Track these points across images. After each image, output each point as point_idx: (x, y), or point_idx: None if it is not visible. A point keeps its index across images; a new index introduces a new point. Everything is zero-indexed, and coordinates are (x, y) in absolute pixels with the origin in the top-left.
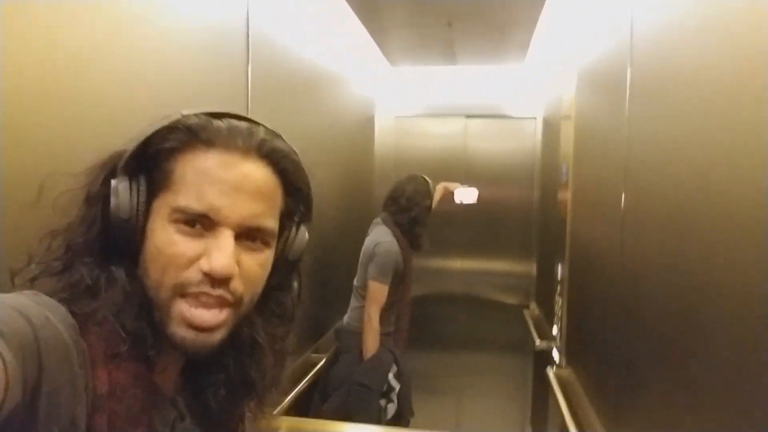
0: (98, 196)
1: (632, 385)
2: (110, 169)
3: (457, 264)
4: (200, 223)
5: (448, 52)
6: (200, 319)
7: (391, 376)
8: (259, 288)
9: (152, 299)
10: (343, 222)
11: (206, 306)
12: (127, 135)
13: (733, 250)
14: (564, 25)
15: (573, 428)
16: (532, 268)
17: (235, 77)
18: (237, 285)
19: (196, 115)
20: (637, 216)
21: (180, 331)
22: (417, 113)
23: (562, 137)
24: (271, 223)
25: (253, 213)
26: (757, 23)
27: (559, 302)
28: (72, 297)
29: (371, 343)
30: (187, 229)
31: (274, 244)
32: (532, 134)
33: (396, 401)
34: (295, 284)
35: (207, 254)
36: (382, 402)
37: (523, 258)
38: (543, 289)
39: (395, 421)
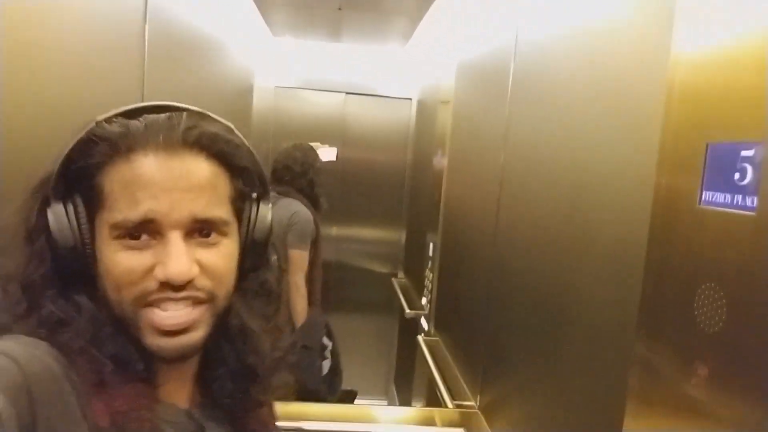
0: (38, 229)
1: (496, 355)
2: (42, 197)
3: (333, 232)
4: (144, 232)
5: (334, 31)
6: (170, 321)
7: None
8: (229, 279)
9: (119, 316)
10: None
11: (175, 308)
12: (22, 107)
13: (596, 242)
14: (448, 19)
15: (443, 389)
16: (401, 239)
17: (132, 40)
18: (203, 282)
19: (107, 120)
20: (512, 202)
21: (155, 340)
22: (297, 85)
23: (438, 119)
24: (219, 212)
25: (195, 208)
26: (625, 40)
27: (430, 275)
28: (48, 333)
29: (301, 309)
30: (131, 243)
31: (232, 231)
32: (408, 113)
33: (330, 357)
34: (274, 259)
35: (160, 263)
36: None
37: (394, 229)
38: (411, 260)
39: (331, 376)
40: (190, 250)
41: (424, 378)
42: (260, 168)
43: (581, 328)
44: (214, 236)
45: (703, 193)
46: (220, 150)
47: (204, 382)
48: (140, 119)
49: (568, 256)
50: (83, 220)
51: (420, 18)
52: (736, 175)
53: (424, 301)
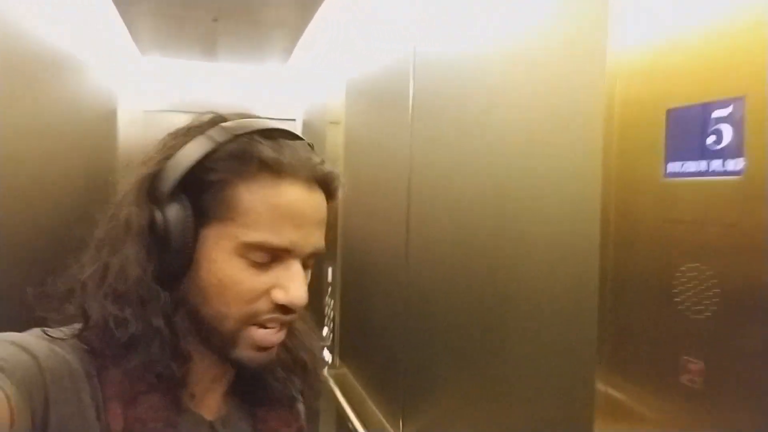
0: (144, 228)
1: (419, 382)
2: (150, 195)
3: None
4: (272, 256)
5: (209, 48)
6: (269, 341)
7: None
8: None
9: (215, 328)
10: (84, 214)
11: (274, 329)
12: None
13: (534, 248)
14: (333, 33)
15: (358, 424)
16: None
17: None
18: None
19: (249, 136)
20: (423, 223)
21: (248, 353)
22: (168, 108)
23: (328, 141)
24: (323, 244)
25: (319, 241)
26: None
27: (330, 303)
28: (91, 335)
29: None
30: (259, 263)
31: None
32: None
33: None
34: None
35: (280, 286)
36: None
37: None
38: None
39: None
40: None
41: (331, 414)
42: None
43: (522, 342)
44: (310, 264)
45: (668, 164)
46: (334, 189)
47: (238, 392)
48: (279, 141)
49: (500, 268)
50: (191, 224)
51: (301, 31)
52: (710, 139)
53: (325, 331)
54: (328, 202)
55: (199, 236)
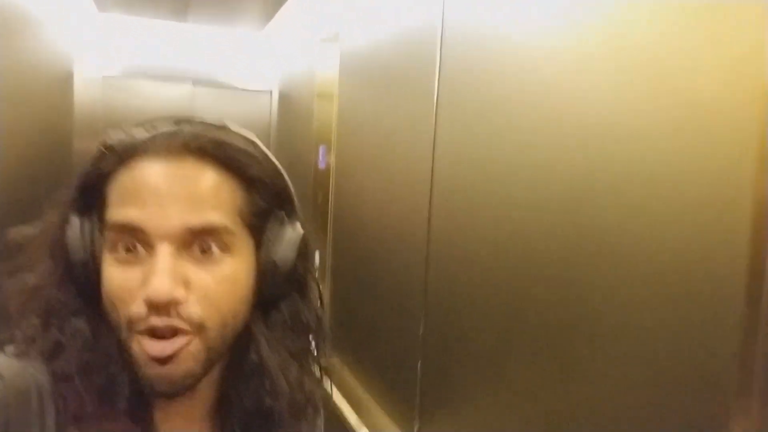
0: (59, 243)
1: (441, 376)
2: (64, 210)
3: None
4: (139, 244)
5: (181, 7)
6: (153, 349)
7: None
8: (228, 307)
9: (118, 341)
10: (40, 179)
11: (159, 337)
12: None
13: (538, 249)
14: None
15: (356, 421)
16: None
17: None
18: (190, 309)
19: (115, 130)
20: (446, 207)
21: (146, 370)
22: (130, 74)
23: (316, 117)
24: (218, 218)
25: (189, 213)
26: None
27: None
28: (48, 354)
29: None
30: (125, 256)
31: (237, 248)
32: (267, 108)
33: None
34: (314, 287)
35: (146, 280)
36: None
37: None
38: None
39: None
40: (181, 266)
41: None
42: (284, 183)
43: (584, 336)
44: (214, 252)
45: None
46: (230, 157)
47: (217, 422)
48: (145, 126)
49: (543, 266)
50: (95, 234)
51: None
52: None
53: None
54: (234, 175)
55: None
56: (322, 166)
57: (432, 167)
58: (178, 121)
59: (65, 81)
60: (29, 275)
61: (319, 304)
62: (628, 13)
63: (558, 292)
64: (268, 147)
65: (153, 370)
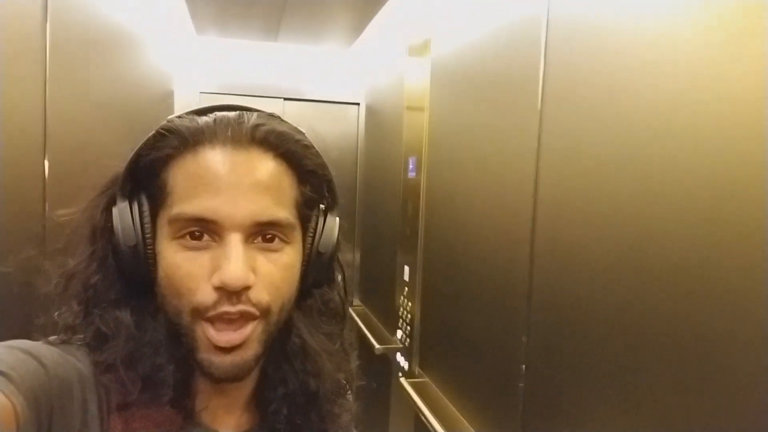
0: (103, 228)
1: (546, 398)
2: (110, 196)
3: None
4: (205, 232)
5: (273, 28)
6: (225, 338)
7: None
8: (287, 292)
9: (177, 326)
10: None
11: (228, 323)
12: None
13: (648, 264)
14: (405, 13)
15: None
16: (355, 261)
17: (31, 38)
18: (259, 295)
19: (180, 116)
20: (551, 215)
21: (209, 356)
22: (225, 90)
23: (405, 128)
24: (283, 213)
25: (259, 207)
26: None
27: (406, 303)
28: (92, 343)
29: None
30: (192, 243)
31: (295, 239)
32: (355, 120)
33: None
34: (339, 277)
35: (217, 267)
36: None
37: (346, 250)
38: (371, 285)
39: None
40: (250, 255)
41: (407, 423)
42: (330, 174)
43: (694, 344)
44: (276, 243)
45: None
46: (289, 150)
47: (259, 407)
48: (210, 115)
49: (653, 280)
50: (146, 219)
51: (372, 13)
52: None
53: (399, 334)
54: (291, 167)
55: (156, 231)
56: (411, 175)
57: (536, 176)
58: (234, 108)
59: (166, 98)
60: (69, 259)
61: (343, 293)
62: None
63: (665, 298)
64: (356, 159)
65: (219, 358)
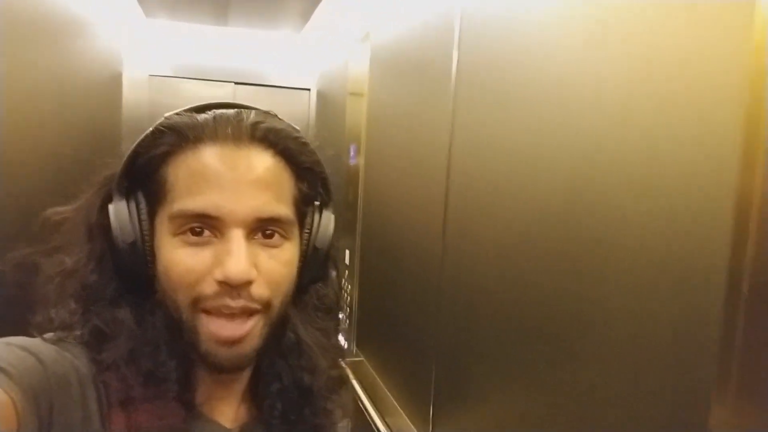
0: (99, 226)
1: (453, 378)
2: (105, 193)
3: None
4: (206, 228)
5: (221, 12)
6: (226, 333)
7: None
8: (286, 287)
9: (177, 321)
10: (87, 178)
11: (230, 317)
12: None
13: (559, 246)
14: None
15: (379, 420)
16: None
17: None
18: (260, 290)
19: (178, 113)
20: (462, 207)
21: (211, 348)
22: (175, 74)
23: (348, 115)
24: (284, 210)
25: (260, 203)
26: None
27: (347, 286)
28: (90, 342)
29: None
30: (193, 239)
31: (294, 235)
32: (306, 105)
33: None
34: (333, 273)
35: (219, 262)
36: None
37: None
38: None
39: None
40: (252, 251)
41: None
42: (325, 171)
43: (598, 351)
44: (276, 239)
45: None
46: (287, 147)
47: (255, 400)
48: (209, 113)
49: (560, 260)
50: (144, 216)
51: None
52: None
53: (341, 316)
54: (289, 164)
55: (154, 228)
56: (353, 162)
57: (448, 161)
58: (233, 106)
59: (115, 81)
60: (65, 257)
61: (338, 289)
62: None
63: (563, 285)
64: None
65: (220, 350)
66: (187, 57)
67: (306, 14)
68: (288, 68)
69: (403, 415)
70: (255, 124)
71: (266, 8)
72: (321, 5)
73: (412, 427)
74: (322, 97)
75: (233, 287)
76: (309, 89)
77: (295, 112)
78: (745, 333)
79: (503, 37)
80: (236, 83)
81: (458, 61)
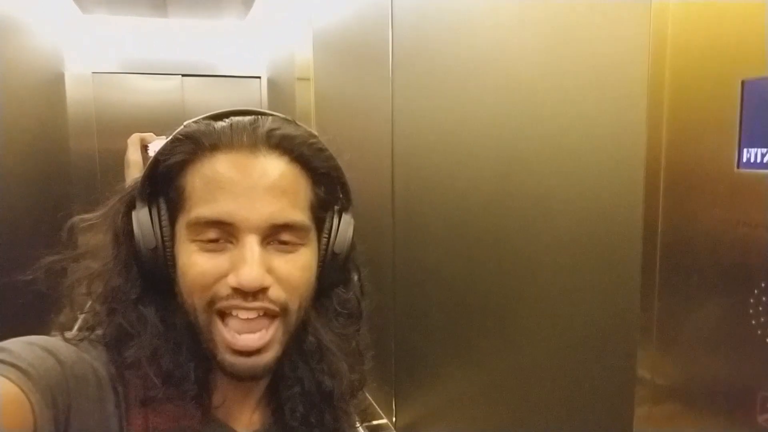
0: (124, 231)
1: (412, 365)
2: (130, 200)
3: None
4: (222, 235)
5: (159, 3)
6: (244, 343)
7: None
8: (304, 292)
9: (194, 326)
10: (39, 180)
11: (250, 329)
12: None
13: (504, 229)
14: None
15: None
16: None
17: None
18: (276, 293)
19: (196, 121)
20: (409, 185)
21: (228, 358)
22: (119, 69)
23: (297, 99)
24: (299, 216)
25: (274, 210)
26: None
27: None
28: (112, 342)
29: None
30: (210, 245)
31: (311, 240)
32: (258, 93)
33: None
34: (355, 277)
35: (234, 268)
36: None
37: None
38: None
39: None
40: (266, 256)
41: None
42: (343, 176)
43: (531, 326)
44: (292, 244)
45: (743, 151)
46: (302, 153)
47: (273, 404)
48: (226, 120)
49: (499, 239)
50: (165, 222)
51: None
52: None
53: None
54: (306, 170)
55: (175, 234)
56: None
57: (392, 145)
58: (249, 112)
59: (56, 80)
60: (92, 262)
61: (360, 293)
62: None
63: (501, 264)
64: None
65: (239, 360)
66: (130, 51)
67: (248, 1)
68: (236, 57)
69: (372, 402)
70: (270, 131)
71: None
72: None
73: (381, 412)
74: (273, 84)
75: (248, 293)
76: (259, 77)
77: (247, 100)
78: (660, 299)
79: (437, 15)
80: (183, 75)
81: (393, 44)
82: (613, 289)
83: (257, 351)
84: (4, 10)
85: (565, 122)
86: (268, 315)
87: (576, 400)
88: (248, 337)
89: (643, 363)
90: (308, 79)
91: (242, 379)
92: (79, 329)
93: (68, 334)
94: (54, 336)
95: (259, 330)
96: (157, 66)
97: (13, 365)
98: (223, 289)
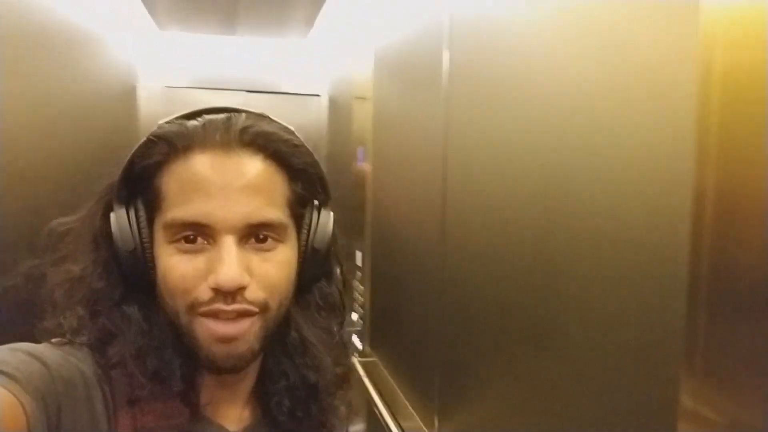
0: (103, 234)
1: (456, 376)
2: (107, 202)
3: None
4: (199, 235)
5: (229, 22)
6: (222, 330)
7: None
8: (283, 289)
9: (176, 326)
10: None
11: (225, 321)
12: None
13: (567, 247)
14: (357, 2)
15: (388, 416)
16: None
17: None
18: (254, 293)
19: (169, 122)
20: (460, 206)
21: (209, 346)
22: (189, 84)
23: (355, 119)
24: (275, 214)
25: (250, 209)
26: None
27: (359, 287)
28: (97, 343)
29: None
30: (186, 246)
31: (289, 237)
32: (318, 112)
33: None
34: (338, 271)
35: (212, 269)
36: None
37: None
38: None
39: None
40: (244, 256)
41: (360, 403)
42: (321, 171)
43: (580, 340)
44: (270, 242)
45: None
46: (277, 150)
47: (261, 401)
48: (199, 119)
49: (550, 259)
50: (143, 224)
51: (320, 4)
52: None
53: (355, 317)
54: (282, 166)
55: (154, 235)
56: (360, 165)
57: (444, 163)
58: (224, 111)
59: (129, 94)
60: (72, 266)
61: (342, 286)
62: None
63: (545, 277)
64: (321, 150)
65: (218, 349)
66: (200, 67)
67: (309, 20)
68: (297, 75)
69: (415, 415)
70: (244, 129)
71: (271, 15)
72: (323, 11)
73: (423, 426)
74: (334, 102)
75: (227, 293)
76: (319, 95)
77: (309, 119)
78: (708, 324)
79: (492, 37)
80: (248, 91)
81: (449, 62)
82: (658, 312)
83: (234, 338)
84: (82, 23)
85: (616, 139)
86: (246, 314)
87: (617, 425)
88: (224, 325)
89: (686, 389)
90: (366, 98)
91: (222, 370)
92: (63, 334)
93: (54, 340)
94: (39, 342)
95: (237, 322)
96: (223, 82)
97: None
98: (204, 294)
